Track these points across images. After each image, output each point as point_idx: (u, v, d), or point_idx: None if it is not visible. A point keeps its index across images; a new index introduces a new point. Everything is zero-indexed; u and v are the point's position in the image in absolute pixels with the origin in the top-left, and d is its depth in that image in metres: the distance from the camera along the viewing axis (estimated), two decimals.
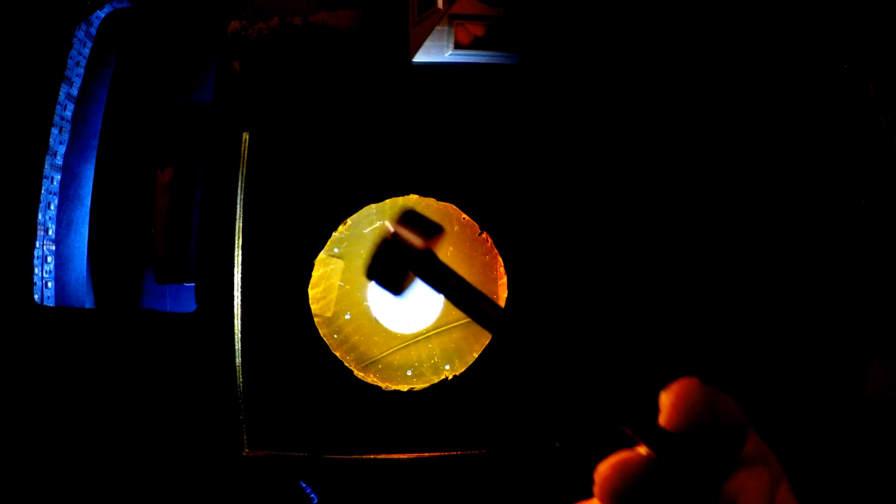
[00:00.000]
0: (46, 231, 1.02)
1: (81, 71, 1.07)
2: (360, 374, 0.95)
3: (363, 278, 0.98)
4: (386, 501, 0.99)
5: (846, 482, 0.98)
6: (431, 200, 0.97)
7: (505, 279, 0.96)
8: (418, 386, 0.95)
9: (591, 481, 0.33)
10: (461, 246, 0.99)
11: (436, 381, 0.96)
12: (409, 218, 0.36)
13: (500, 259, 0.96)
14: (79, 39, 1.06)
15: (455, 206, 0.97)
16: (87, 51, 1.08)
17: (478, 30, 0.65)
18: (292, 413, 0.97)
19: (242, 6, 1.07)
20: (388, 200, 0.97)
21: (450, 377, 0.95)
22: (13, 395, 0.95)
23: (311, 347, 0.95)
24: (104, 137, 1.12)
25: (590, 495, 0.33)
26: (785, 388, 1.01)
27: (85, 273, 1.10)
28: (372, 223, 0.98)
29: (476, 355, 0.96)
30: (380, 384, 0.95)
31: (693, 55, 1.03)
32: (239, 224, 0.97)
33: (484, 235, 0.97)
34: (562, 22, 0.97)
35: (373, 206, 0.97)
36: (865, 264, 1.02)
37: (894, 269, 1.00)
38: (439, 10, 0.93)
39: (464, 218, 0.97)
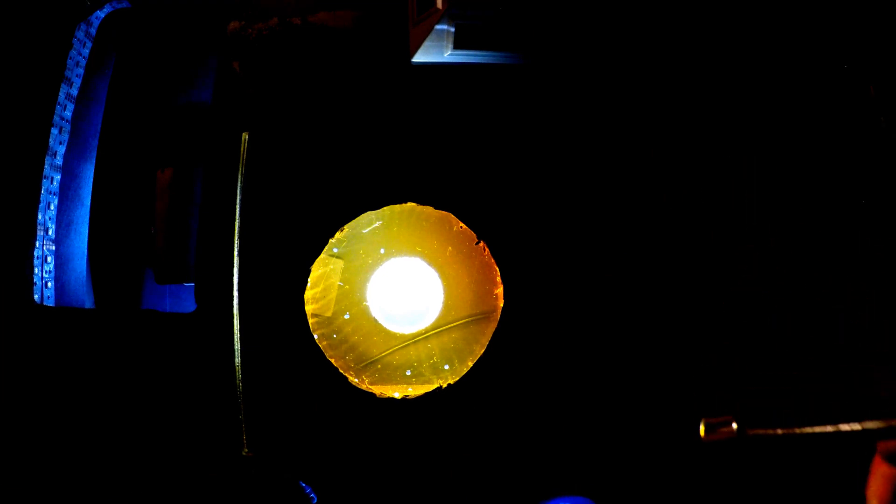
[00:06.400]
0: (46, 231, 1.02)
1: (81, 71, 1.07)
2: (354, 381, 0.95)
3: (362, 278, 0.98)
4: (385, 501, 0.99)
5: (846, 482, 0.98)
6: (430, 209, 0.97)
7: (501, 289, 0.96)
8: (412, 394, 0.95)
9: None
10: (461, 247, 0.99)
11: (434, 382, 0.96)
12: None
13: (497, 269, 0.96)
14: (79, 39, 1.06)
15: (453, 216, 0.97)
16: (87, 51, 1.08)
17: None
18: (292, 413, 0.97)
19: (242, 6, 1.07)
20: (386, 208, 0.97)
21: (444, 386, 0.95)
22: (13, 395, 0.95)
23: (309, 350, 0.95)
24: (104, 137, 1.12)
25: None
26: (785, 387, 1.01)
27: (85, 273, 1.10)
28: (371, 223, 0.98)
29: (476, 356, 0.96)
30: (374, 391, 0.95)
31: (693, 56, 1.02)
32: (238, 224, 0.97)
33: (481, 244, 0.97)
34: (564, 21, 0.97)
35: (372, 213, 0.97)
36: (865, 264, 1.02)
37: (894, 270, 1.00)
38: (439, 10, 0.93)
39: (461, 227, 0.97)
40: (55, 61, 1.03)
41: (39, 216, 1.01)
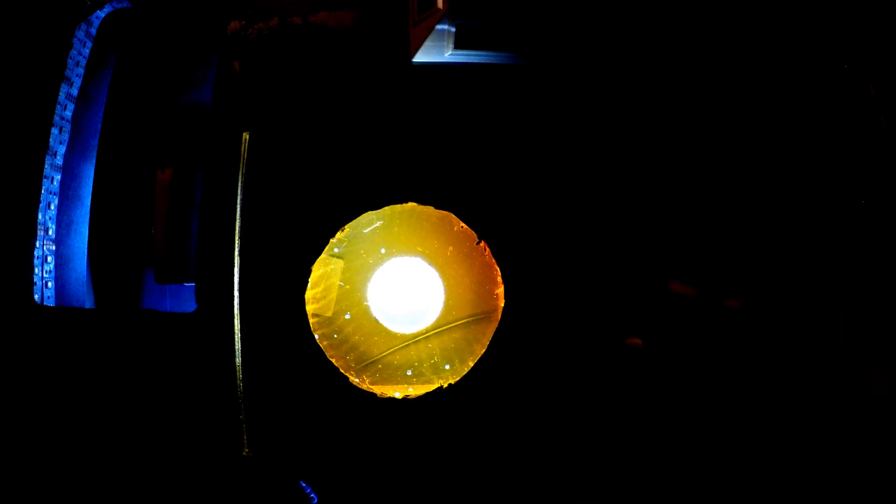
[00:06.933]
0: (46, 231, 1.02)
1: (81, 71, 1.07)
2: (354, 381, 0.95)
3: (363, 278, 0.98)
4: (385, 501, 0.99)
5: (846, 482, 0.98)
6: (430, 209, 0.97)
7: (502, 289, 0.96)
8: (413, 394, 0.95)
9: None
10: (461, 247, 0.99)
11: (435, 382, 0.96)
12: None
13: (498, 269, 0.96)
14: (79, 39, 1.06)
15: (454, 216, 0.97)
16: (87, 51, 1.08)
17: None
18: (292, 413, 0.97)
19: (242, 6, 1.07)
20: (386, 208, 0.97)
21: (444, 386, 0.95)
22: (13, 395, 0.95)
23: (310, 350, 0.95)
24: (104, 137, 1.12)
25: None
26: (786, 388, 1.01)
27: (85, 273, 1.10)
28: (372, 223, 0.98)
29: (477, 356, 0.96)
30: (374, 391, 0.95)
31: (693, 56, 1.03)
32: (238, 224, 0.97)
33: (482, 245, 0.97)
34: (564, 21, 0.97)
35: (373, 213, 0.97)
36: (865, 264, 1.02)
37: (894, 269, 1.00)
38: (439, 9, 0.93)
39: (462, 227, 0.97)
40: (55, 61, 1.03)
41: (39, 216, 1.01)
